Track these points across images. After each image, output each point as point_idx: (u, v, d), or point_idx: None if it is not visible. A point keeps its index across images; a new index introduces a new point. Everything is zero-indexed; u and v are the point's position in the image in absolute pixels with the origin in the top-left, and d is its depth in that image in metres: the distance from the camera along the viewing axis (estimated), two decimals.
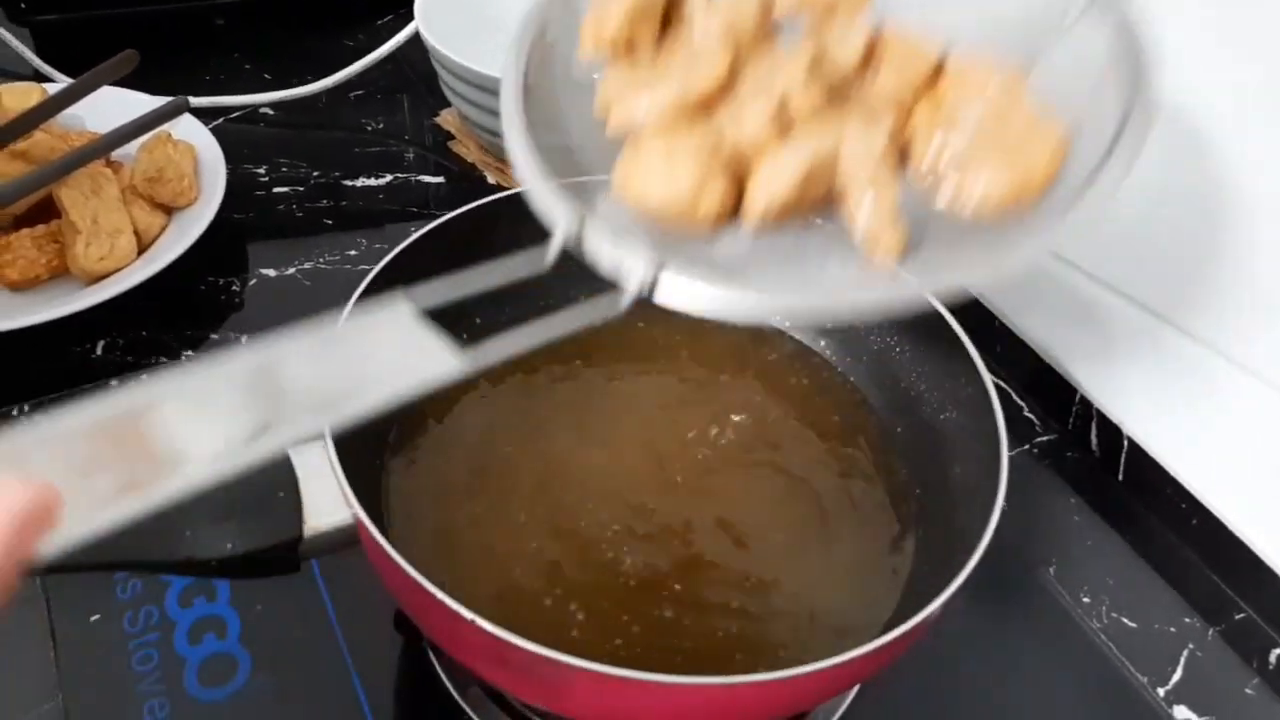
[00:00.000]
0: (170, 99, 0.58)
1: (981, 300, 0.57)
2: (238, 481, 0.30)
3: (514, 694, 0.37)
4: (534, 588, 0.36)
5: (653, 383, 0.46)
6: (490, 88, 0.59)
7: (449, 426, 0.42)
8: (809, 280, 0.29)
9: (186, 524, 0.29)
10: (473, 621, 0.28)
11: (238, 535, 0.29)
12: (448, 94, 0.64)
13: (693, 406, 0.45)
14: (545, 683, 0.31)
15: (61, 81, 0.67)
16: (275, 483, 0.31)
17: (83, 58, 0.68)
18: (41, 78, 0.69)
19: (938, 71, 0.31)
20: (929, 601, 0.32)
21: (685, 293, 0.28)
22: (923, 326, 0.43)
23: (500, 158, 0.66)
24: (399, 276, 0.35)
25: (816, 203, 0.30)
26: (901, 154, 0.30)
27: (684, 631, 0.36)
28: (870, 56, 0.31)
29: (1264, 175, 0.41)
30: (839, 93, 0.31)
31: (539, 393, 0.44)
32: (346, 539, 0.32)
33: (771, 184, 0.29)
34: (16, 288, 0.54)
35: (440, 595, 0.28)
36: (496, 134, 0.63)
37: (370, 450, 0.38)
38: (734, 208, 0.30)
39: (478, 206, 0.44)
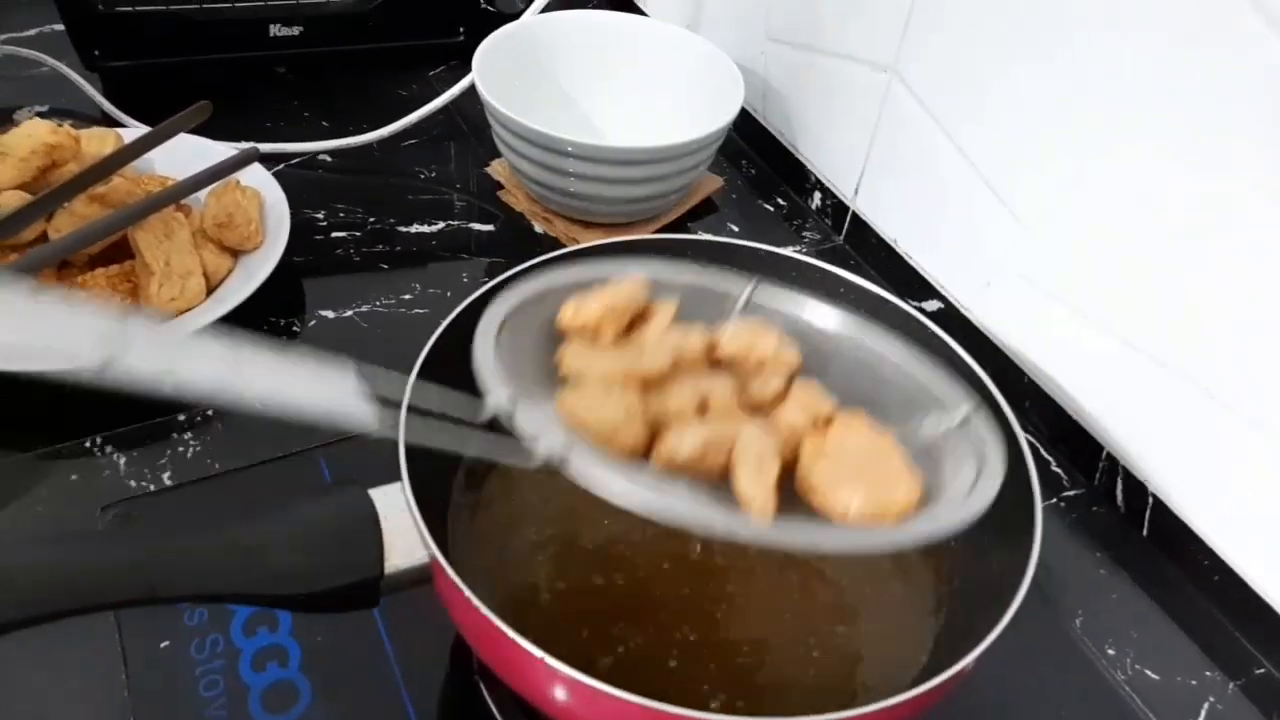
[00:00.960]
0: (241, 148, 0.61)
1: (1009, 355, 0.59)
2: (325, 521, 0.32)
3: None
4: (591, 625, 0.38)
5: None
6: (540, 142, 0.62)
7: (514, 473, 0.44)
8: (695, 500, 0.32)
9: (279, 560, 0.31)
10: (542, 660, 0.30)
11: (324, 572, 0.32)
12: (499, 145, 0.67)
13: None
14: (602, 714, 0.33)
15: (130, 125, 0.71)
16: (359, 523, 0.33)
17: (149, 102, 0.73)
18: (110, 121, 0.72)
19: (830, 419, 0.37)
20: (966, 650, 0.34)
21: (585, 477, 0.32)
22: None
23: (547, 208, 0.69)
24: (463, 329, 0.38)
25: (710, 474, 0.34)
26: (786, 467, 0.35)
27: (736, 681, 0.38)
28: (783, 394, 0.38)
29: None
30: (752, 408, 0.38)
31: None
32: (422, 577, 0.34)
33: (680, 441, 0.34)
34: None
35: (512, 634, 0.31)
36: (545, 185, 0.66)
37: (441, 490, 0.41)
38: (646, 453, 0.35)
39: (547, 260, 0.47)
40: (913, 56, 0.61)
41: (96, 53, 0.74)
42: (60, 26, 0.81)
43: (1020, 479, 0.40)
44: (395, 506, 0.34)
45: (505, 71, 0.68)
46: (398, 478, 0.35)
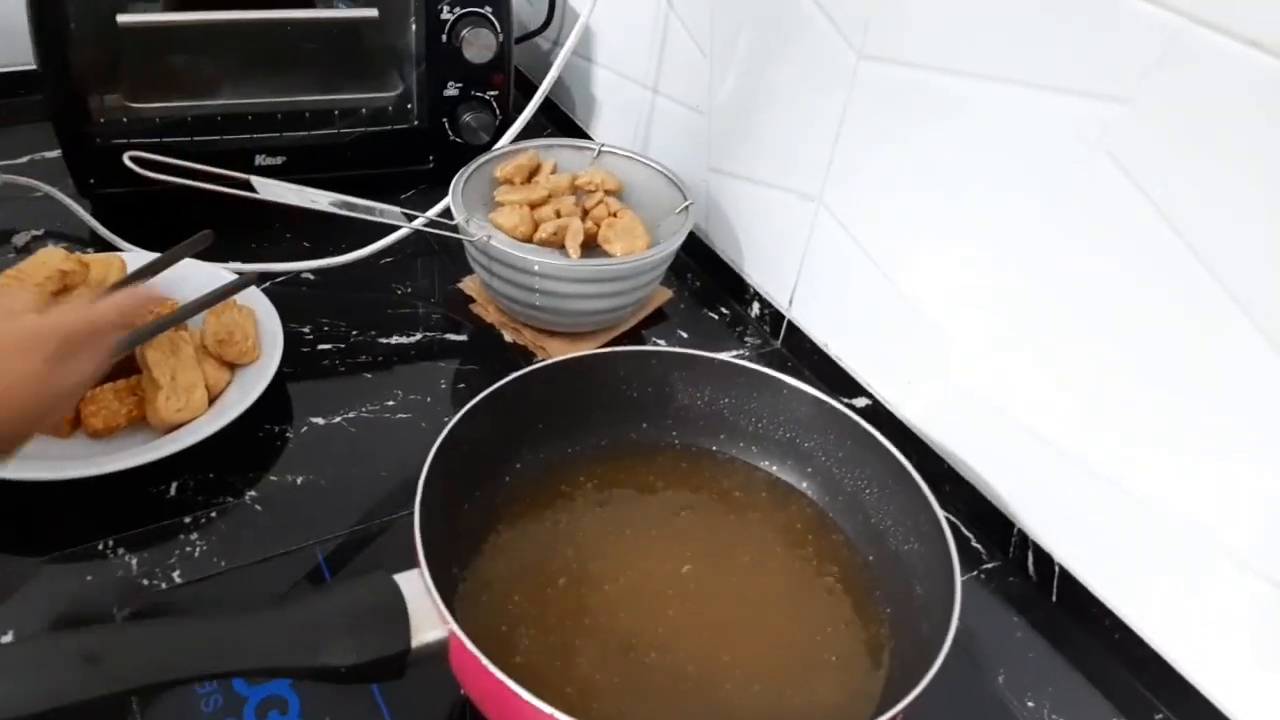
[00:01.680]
0: (234, 269, 0.67)
1: (930, 445, 0.67)
2: (360, 603, 0.38)
3: None
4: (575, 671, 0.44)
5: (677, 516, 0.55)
6: (510, 262, 0.69)
7: (504, 544, 0.50)
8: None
9: (325, 637, 0.37)
10: (553, 715, 0.36)
11: (363, 647, 0.37)
12: (473, 264, 0.74)
13: (700, 532, 0.54)
14: None
15: (125, 247, 0.76)
16: (389, 603, 0.39)
17: (137, 225, 0.79)
18: (103, 243, 0.78)
19: (616, 212, 0.76)
20: (903, 698, 0.40)
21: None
22: (888, 472, 0.52)
23: (515, 320, 0.76)
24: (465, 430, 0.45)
25: (557, 243, 0.74)
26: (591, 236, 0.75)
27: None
28: (599, 202, 0.78)
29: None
30: (584, 210, 0.77)
31: (586, 514, 0.54)
32: (439, 650, 0.39)
33: (543, 230, 0.74)
34: (99, 436, 0.61)
35: (525, 694, 0.36)
36: (514, 300, 0.73)
37: (445, 571, 0.46)
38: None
39: (520, 376, 0.53)
40: (835, 189, 0.71)
41: (92, 181, 0.80)
42: (51, 153, 0.88)
43: (943, 555, 0.47)
44: (414, 589, 0.40)
45: (475, 196, 0.75)
46: (392, 567, 0.41)
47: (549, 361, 0.55)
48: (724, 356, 0.58)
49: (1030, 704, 0.55)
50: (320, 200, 0.60)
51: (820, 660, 0.48)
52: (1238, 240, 0.47)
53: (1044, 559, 0.61)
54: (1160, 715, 0.56)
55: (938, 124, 0.61)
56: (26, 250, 0.78)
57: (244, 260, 0.75)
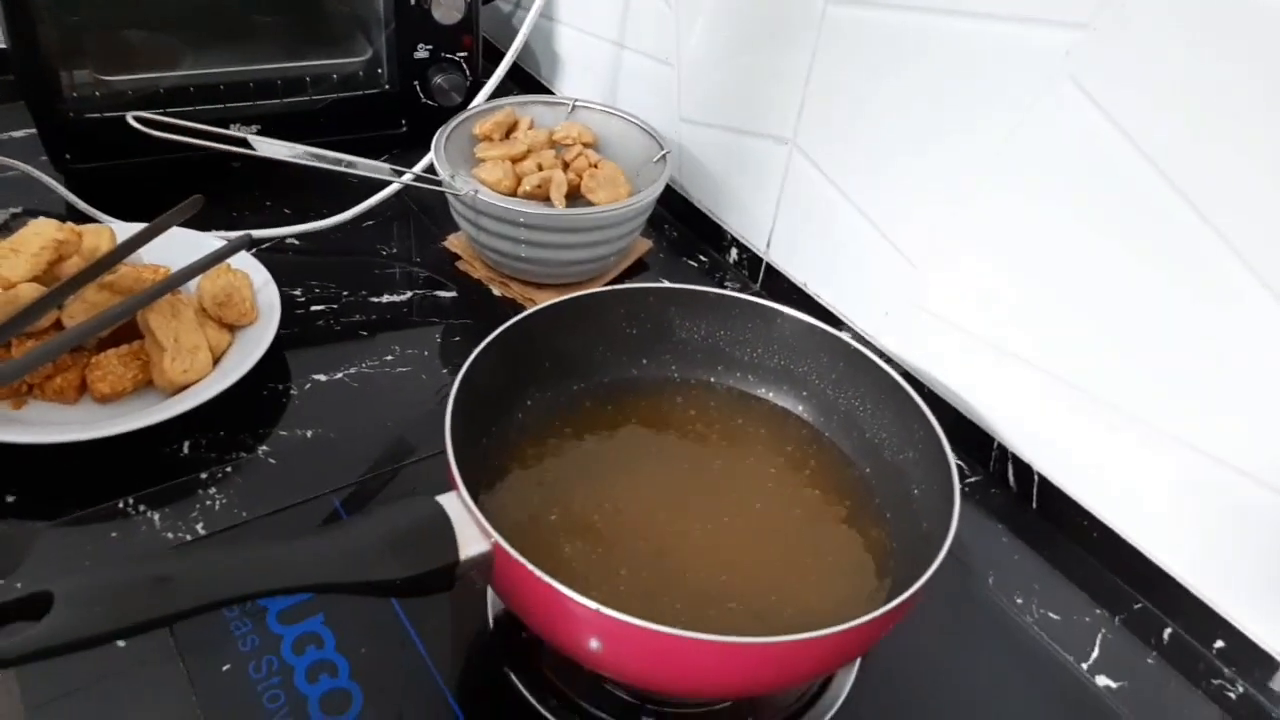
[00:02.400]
0: (227, 235, 0.68)
1: (910, 370, 0.70)
2: (407, 521, 0.40)
3: (613, 669, 0.46)
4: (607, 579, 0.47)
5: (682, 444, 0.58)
6: (496, 214, 0.71)
7: (522, 476, 0.53)
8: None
9: (378, 554, 0.39)
10: (594, 609, 0.39)
11: (414, 560, 0.39)
12: (458, 219, 0.76)
13: (706, 458, 0.57)
14: (637, 648, 0.41)
15: (105, 219, 0.77)
16: (435, 521, 0.41)
17: (113, 198, 0.79)
18: (79, 215, 0.78)
19: (596, 164, 0.80)
20: (910, 586, 0.43)
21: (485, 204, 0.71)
22: (879, 389, 0.56)
23: (503, 274, 0.78)
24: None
25: (541, 196, 0.76)
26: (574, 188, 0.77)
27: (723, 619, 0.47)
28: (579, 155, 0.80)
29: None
30: (564, 162, 0.79)
31: (598, 446, 0.57)
32: (484, 563, 0.41)
33: (527, 183, 0.75)
34: (106, 400, 0.62)
35: (576, 596, 0.39)
36: (501, 253, 0.75)
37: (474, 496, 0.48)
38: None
39: (526, 316, 0.56)
40: (808, 132, 0.73)
41: (68, 156, 0.80)
42: (19, 132, 0.87)
43: (938, 455, 0.51)
44: (453, 509, 0.42)
45: (456, 154, 0.77)
46: None
47: (553, 302, 0.57)
48: (718, 290, 0.60)
49: (1019, 601, 0.59)
50: (314, 157, 0.61)
51: (830, 563, 0.51)
52: (1194, 151, 0.50)
53: (1023, 470, 0.65)
54: (1139, 604, 0.60)
55: (906, 62, 0.64)
56: (6, 228, 0.77)
57: (227, 228, 0.76)
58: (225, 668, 0.50)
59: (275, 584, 0.36)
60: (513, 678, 0.51)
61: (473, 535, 0.41)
